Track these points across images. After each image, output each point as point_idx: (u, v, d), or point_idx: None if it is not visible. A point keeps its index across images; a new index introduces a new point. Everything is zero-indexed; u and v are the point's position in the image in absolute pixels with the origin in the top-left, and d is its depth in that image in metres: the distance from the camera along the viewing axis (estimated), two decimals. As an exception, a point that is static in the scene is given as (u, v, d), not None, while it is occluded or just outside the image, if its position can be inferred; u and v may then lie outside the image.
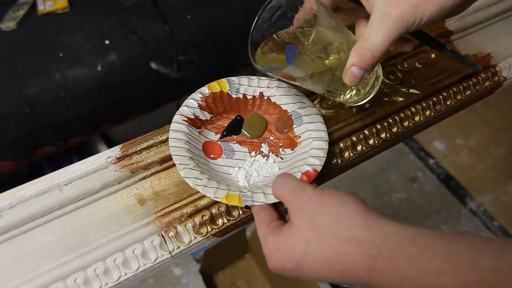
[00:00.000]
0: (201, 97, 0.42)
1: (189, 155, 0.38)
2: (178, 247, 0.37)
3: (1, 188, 0.38)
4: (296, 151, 0.42)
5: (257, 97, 0.44)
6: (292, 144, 0.42)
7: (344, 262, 0.29)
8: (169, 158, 0.41)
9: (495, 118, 1.53)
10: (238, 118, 0.44)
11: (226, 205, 0.39)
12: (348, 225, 0.30)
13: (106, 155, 0.40)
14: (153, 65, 1.03)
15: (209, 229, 0.38)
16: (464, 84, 0.51)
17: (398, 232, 0.28)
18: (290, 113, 0.43)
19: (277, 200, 0.35)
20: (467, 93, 0.51)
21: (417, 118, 0.48)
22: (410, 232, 0.28)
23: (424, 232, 0.28)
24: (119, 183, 0.39)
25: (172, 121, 0.41)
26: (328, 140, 0.40)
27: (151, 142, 0.41)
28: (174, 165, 0.41)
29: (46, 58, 0.96)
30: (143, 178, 0.40)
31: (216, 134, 0.43)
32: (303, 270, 0.31)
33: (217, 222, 0.38)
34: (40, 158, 1.02)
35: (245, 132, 0.44)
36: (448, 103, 0.49)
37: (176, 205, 0.38)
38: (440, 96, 0.49)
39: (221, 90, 0.43)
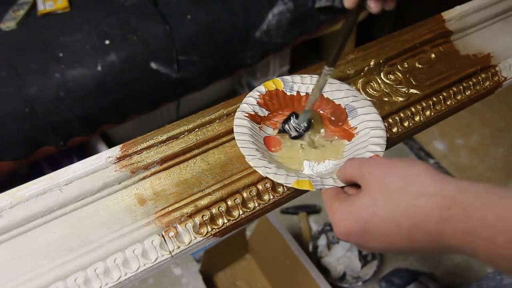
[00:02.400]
0: (258, 95, 0.45)
1: (255, 147, 0.41)
2: (178, 247, 0.37)
3: (1, 188, 0.38)
4: (354, 141, 0.44)
5: (310, 94, 0.46)
6: (348, 135, 0.44)
7: (413, 217, 0.28)
8: (169, 158, 0.41)
9: (495, 118, 1.53)
10: (293, 114, 0.46)
11: (226, 204, 0.39)
12: (418, 181, 0.29)
13: (106, 155, 0.40)
14: (153, 65, 1.03)
15: (209, 229, 0.38)
16: (464, 84, 0.51)
17: (473, 185, 0.28)
18: (344, 107, 0.45)
19: (345, 185, 0.37)
20: (467, 93, 0.51)
21: (417, 118, 0.48)
22: (485, 185, 0.28)
23: (498, 186, 0.27)
24: (119, 183, 0.39)
25: (235, 117, 0.43)
26: (385, 128, 0.43)
27: (151, 142, 0.41)
28: (174, 165, 0.41)
29: (46, 58, 0.96)
30: (143, 178, 0.40)
31: (274, 129, 0.46)
32: (369, 232, 0.30)
33: (217, 222, 0.38)
34: (40, 158, 1.02)
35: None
36: (448, 103, 0.49)
37: (176, 205, 0.38)
38: (440, 96, 0.49)
39: (276, 88, 0.46)
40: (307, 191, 0.40)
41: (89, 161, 0.39)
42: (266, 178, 0.40)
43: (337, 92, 0.46)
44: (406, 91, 0.48)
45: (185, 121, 0.43)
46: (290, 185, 0.38)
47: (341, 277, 1.12)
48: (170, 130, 0.42)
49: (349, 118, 0.45)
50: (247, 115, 0.44)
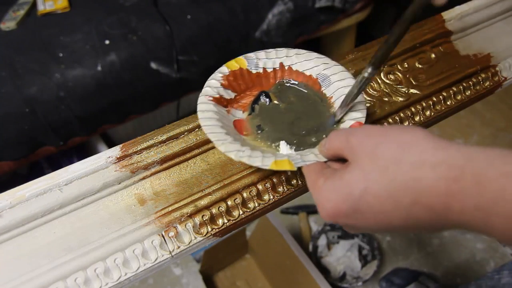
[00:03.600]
0: (221, 76, 0.42)
1: (224, 131, 0.37)
2: (178, 247, 0.37)
3: (1, 188, 0.38)
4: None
5: (278, 68, 0.43)
6: (327, 105, 0.42)
7: (413, 191, 0.24)
8: (169, 158, 0.41)
9: (495, 118, 1.52)
10: (263, 93, 0.43)
11: (226, 204, 0.39)
12: (416, 149, 0.25)
13: (106, 155, 0.40)
14: (153, 65, 1.03)
15: (209, 229, 0.38)
16: (464, 84, 0.51)
17: (483, 151, 0.24)
18: (315, 77, 0.43)
19: (327, 159, 0.33)
20: (467, 93, 0.51)
21: (417, 118, 0.48)
22: (498, 151, 0.24)
23: None
24: (119, 183, 0.39)
25: (198, 102, 0.39)
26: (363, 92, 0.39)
27: (151, 142, 0.41)
28: (174, 165, 0.41)
29: (46, 58, 0.96)
30: (143, 178, 0.40)
31: (243, 112, 0.43)
32: (361, 212, 0.26)
33: (217, 222, 0.38)
34: (40, 158, 1.02)
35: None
36: (448, 103, 0.49)
37: (176, 205, 0.38)
38: (440, 96, 0.49)
39: (240, 67, 0.43)
40: (304, 191, 0.40)
41: (89, 161, 0.39)
42: (266, 178, 0.40)
43: (306, 62, 0.43)
44: (406, 91, 0.48)
45: (185, 121, 0.43)
46: (267, 167, 0.34)
47: (341, 277, 1.12)
48: (170, 130, 0.42)
49: (322, 88, 0.42)
50: (211, 98, 0.40)
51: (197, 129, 0.43)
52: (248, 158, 0.34)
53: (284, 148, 0.38)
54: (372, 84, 0.49)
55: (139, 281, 0.37)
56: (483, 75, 0.52)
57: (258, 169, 0.40)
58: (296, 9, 1.15)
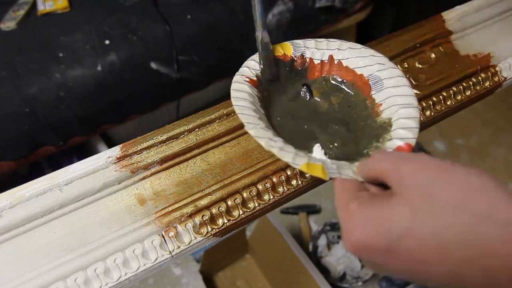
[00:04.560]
0: None
1: (257, 115, 0.33)
2: (178, 247, 0.37)
3: (1, 188, 0.38)
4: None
5: (326, 61, 0.39)
6: (373, 114, 0.37)
7: (469, 247, 0.20)
8: (169, 158, 0.41)
9: (495, 118, 1.52)
10: (304, 86, 0.39)
11: (226, 204, 0.39)
12: (484, 198, 0.21)
13: (106, 155, 0.40)
14: (153, 65, 1.03)
15: (209, 229, 0.38)
16: (464, 84, 0.51)
17: None
18: (366, 78, 0.38)
19: (364, 180, 0.28)
20: (467, 93, 0.51)
21: (417, 118, 0.48)
22: None
23: None
24: (119, 183, 0.39)
25: (233, 81, 0.36)
26: (418, 107, 0.34)
27: (151, 142, 0.41)
28: (174, 165, 0.41)
29: (46, 58, 0.96)
30: (143, 178, 0.40)
31: None
32: (396, 254, 0.22)
33: (217, 222, 0.38)
34: (40, 158, 1.02)
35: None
36: (448, 103, 0.49)
37: (176, 205, 0.38)
38: (440, 96, 0.49)
39: (284, 53, 0.39)
40: (304, 191, 0.38)
41: (89, 161, 0.39)
42: (266, 178, 0.40)
43: (359, 59, 0.38)
44: (406, 91, 0.48)
45: (185, 121, 0.43)
46: (297, 166, 0.30)
47: (341, 277, 1.12)
48: (170, 130, 0.42)
49: (372, 92, 0.37)
50: (247, 79, 0.36)
51: (197, 129, 0.43)
52: (279, 150, 0.30)
53: (317, 151, 0.34)
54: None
55: (139, 281, 0.37)
56: (483, 75, 0.52)
57: (258, 169, 0.40)
58: (296, 9, 1.15)
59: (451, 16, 0.55)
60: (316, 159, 0.32)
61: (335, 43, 0.39)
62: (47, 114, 0.94)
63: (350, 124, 0.37)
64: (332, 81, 0.40)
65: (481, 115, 1.54)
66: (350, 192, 0.26)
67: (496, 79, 0.53)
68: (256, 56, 0.38)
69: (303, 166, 0.30)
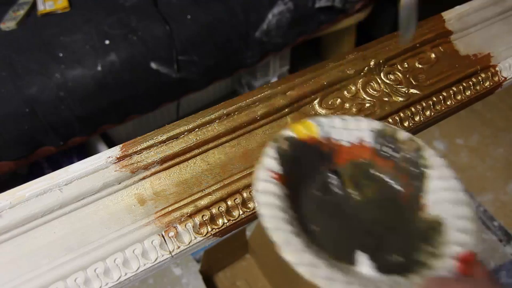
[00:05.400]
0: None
1: (290, 228, 0.27)
2: (178, 247, 0.37)
3: (1, 188, 0.38)
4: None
5: (357, 143, 0.34)
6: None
7: None
8: (169, 158, 0.41)
9: (495, 118, 1.53)
10: (334, 173, 0.33)
11: (226, 204, 0.39)
12: None
13: (106, 155, 0.40)
14: (153, 65, 1.03)
15: (209, 229, 0.38)
16: (464, 84, 0.51)
17: None
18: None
19: None
20: (467, 93, 0.51)
21: (417, 118, 0.48)
22: None
23: None
24: (119, 183, 0.39)
25: (256, 178, 0.29)
26: (472, 203, 0.30)
27: (151, 142, 0.41)
28: (174, 165, 0.41)
29: (46, 58, 0.96)
30: (143, 178, 0.40)
31: None
32: None
33: (217, 222, 0.38)
34: (40, 158, 1.02)
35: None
36: (448, 103, 0.49)
37: (176, 205, 0.38)
38: (440, 96, 0.49)
39: (309, 135, 0.33)
40: None
41: (89, 161, 0.39)
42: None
43: None
44: (406, 91, 0.48)
45: (185, 121, 0.43)
46: None
47: (341, 277, 1.12)
48: (170, 130, 0.42)
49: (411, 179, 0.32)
50: (275, 176, 0.29)
51: (197, 129, 0.43)
52: (327, 282, 0.25)
53: (364, 262, 0.28)
54: (372, 84, 0.49)
55: (139, 281, 0.37)
56: (483, 75, 0.52)
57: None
58: (296, 9, 1.15)
59: (451, 16, 0.55)
60: (366, 277, 0.26)
61: (363, 122, 0.34)
62: (47, 114, 0.94)
63: (391, 223, 0.31)
64: (364, 167, 0.34)
65: (481, 115, 1.54)
66: None
67: (496, 79, 0.53)
68: (272, 150, 0.32)
69: None
